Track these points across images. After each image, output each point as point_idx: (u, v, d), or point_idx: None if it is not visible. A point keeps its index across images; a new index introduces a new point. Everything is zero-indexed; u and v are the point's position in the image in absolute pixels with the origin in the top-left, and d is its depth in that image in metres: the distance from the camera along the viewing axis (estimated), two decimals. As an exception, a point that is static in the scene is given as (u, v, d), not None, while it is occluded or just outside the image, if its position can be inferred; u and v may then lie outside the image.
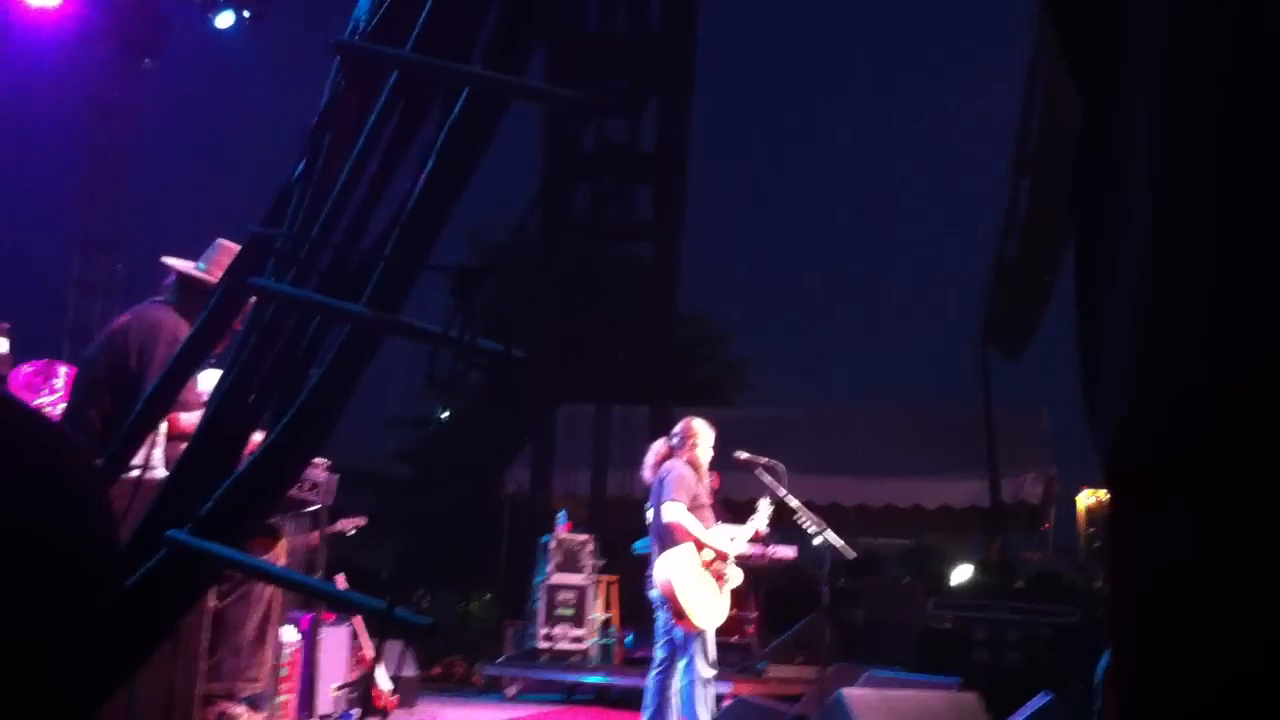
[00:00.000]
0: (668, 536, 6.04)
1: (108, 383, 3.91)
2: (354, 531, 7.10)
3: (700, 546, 6.04)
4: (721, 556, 6.13)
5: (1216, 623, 0.83)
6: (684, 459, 6.21)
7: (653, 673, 6.13)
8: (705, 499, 6.24)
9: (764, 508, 6.58)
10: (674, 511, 5.98)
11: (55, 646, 1.29)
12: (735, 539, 6.37)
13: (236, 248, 4.19)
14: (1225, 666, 0.82)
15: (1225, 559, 0.84)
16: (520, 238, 16.88)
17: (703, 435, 6.28)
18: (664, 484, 6.10)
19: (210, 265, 4.19)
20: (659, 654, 6.12)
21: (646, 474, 6.37)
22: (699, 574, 5.99)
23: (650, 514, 6.27)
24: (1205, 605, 0.84)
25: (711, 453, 6.32)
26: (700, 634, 5.94)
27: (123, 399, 3.73)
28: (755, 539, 6.58)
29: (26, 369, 4.60)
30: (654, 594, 6.06)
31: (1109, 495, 0.92)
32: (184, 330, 3.92)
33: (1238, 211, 0.86)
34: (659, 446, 6.38)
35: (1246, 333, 0.84)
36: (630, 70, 14.55)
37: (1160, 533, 0.87)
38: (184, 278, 4.21)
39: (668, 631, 6.07)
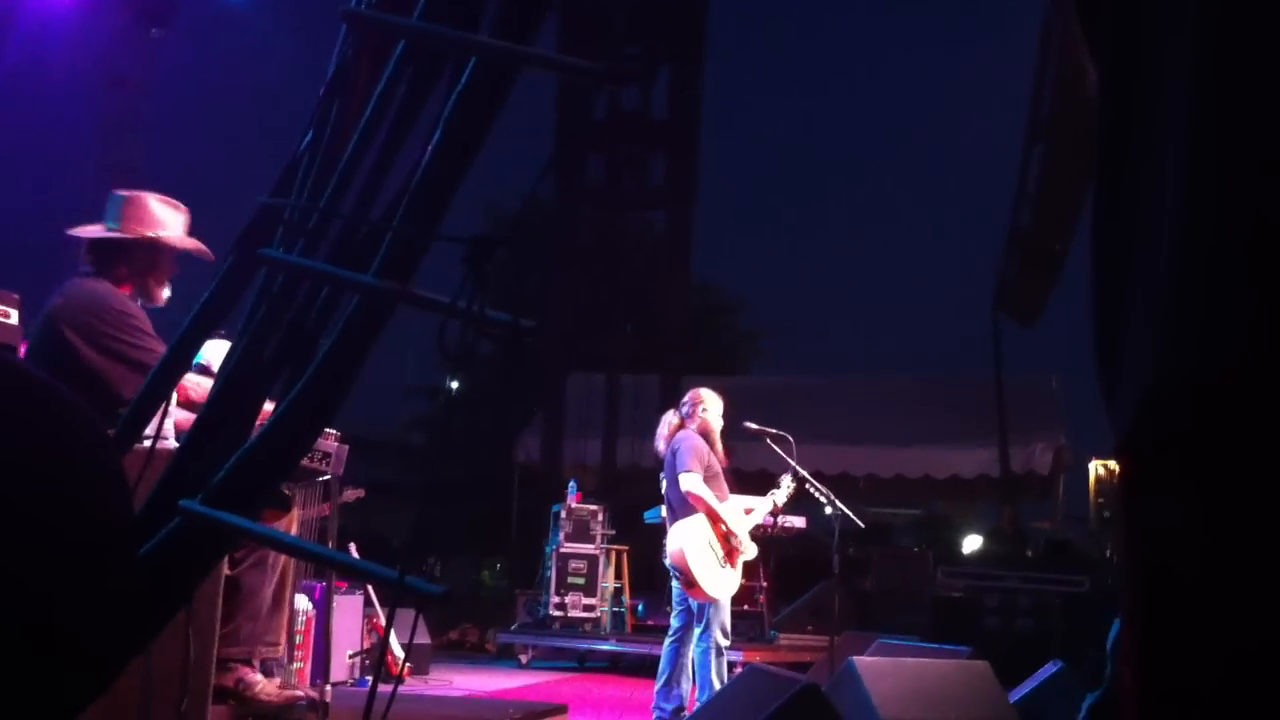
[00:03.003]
0: (681, 506, 6.05)
1: (53, 369, 3.63)
2: (354, 501, 7.14)
3: (715, 518, 6.05)
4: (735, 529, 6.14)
5: (1227, 598, 0.83)
6: (694, 427, 6.22)
7: (668, 640, 6.17)
8: (719, 467, 6.26)
9: (786, 484, 6.59)
10: (690, 482, 5.99)
11: (68, 612, 1.30)
12: (753, 511, 6.38)
13: (140, 196, 4.05)
14: (1234, 639, 0.83)
15: (1235, 538, 0.84)
16: (533, 207, 16.83)
17: (710, 402, 6.30)
18: (677, 455, 6.11)
19: (121, 222, 3.98)
20: (675, 622, 6.16)
21: (659, 445, 6.38)
22: (711, 544, 6.00)
23: (665, 483, 6.29)
24: (1215, 581, 0.84)
25: (721, 420, 6.33)
26: (715, 604, 5.97)
27: (74, 383, 3.52)
28: (772, 512, 6.60)
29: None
30: (669, 563, 6.09)
31: (1122, 472, 0.92)
32: (117, 297, 3.81)
33: (1267, 195, 0.85)
34: (670, 418, 6.39)
35: (1264, 321, 0.83)
36: (643, 37, 14.47)
37: (1172, 511, 0.87)
38: (97, 243, 3.96)
39: (683, 600, 6.10)
